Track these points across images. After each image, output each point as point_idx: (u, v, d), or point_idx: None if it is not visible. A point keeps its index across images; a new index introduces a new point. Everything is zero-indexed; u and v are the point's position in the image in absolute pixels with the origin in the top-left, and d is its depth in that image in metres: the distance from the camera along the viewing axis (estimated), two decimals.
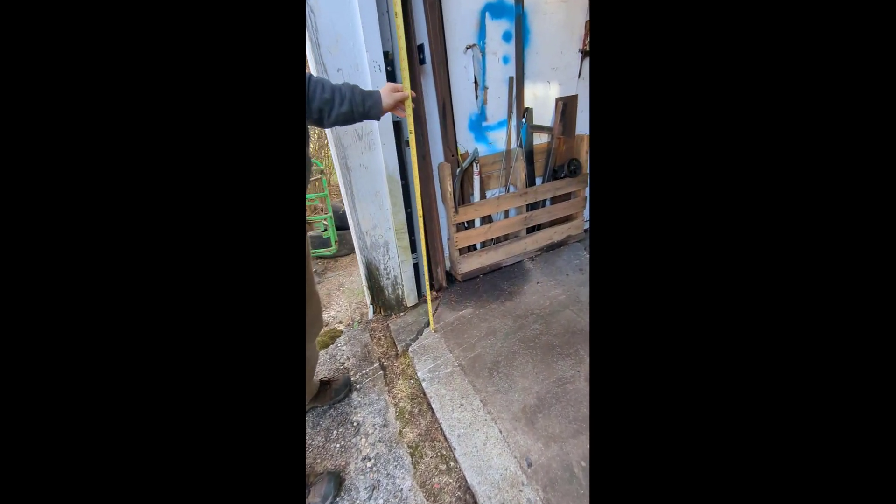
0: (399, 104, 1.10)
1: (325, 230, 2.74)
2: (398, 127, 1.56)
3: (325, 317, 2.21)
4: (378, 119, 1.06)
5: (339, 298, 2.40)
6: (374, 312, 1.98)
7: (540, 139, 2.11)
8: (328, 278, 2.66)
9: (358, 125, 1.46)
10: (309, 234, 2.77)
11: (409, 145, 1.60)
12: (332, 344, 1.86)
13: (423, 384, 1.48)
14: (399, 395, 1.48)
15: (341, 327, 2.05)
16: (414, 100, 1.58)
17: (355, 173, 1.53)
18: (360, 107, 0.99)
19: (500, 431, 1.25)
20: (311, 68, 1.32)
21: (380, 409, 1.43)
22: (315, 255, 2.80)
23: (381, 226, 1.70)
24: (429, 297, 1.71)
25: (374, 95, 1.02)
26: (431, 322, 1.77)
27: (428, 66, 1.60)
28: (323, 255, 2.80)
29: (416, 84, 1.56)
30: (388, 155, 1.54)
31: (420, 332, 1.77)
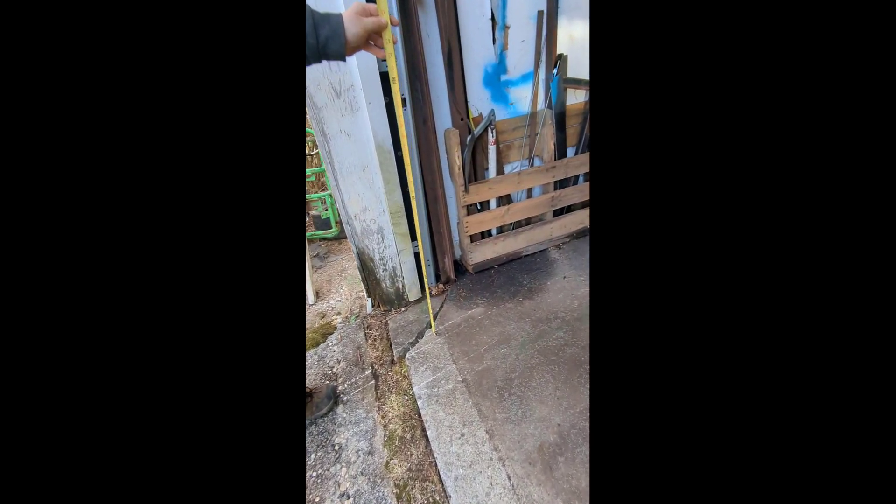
0: (374, 36, 0.76)
1: (326, 210, 2.49)
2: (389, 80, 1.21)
3: (323, 307, 2.01)
4: (342, 59, 0.73)
5: (341, 286, 2.19)
6: (372, 306, 1.74)
7: (575, 97, 1.68)
8: (330, 262, 2.45)
9: (333, 76, 1.13)
10: (308, 213, 2.53)
11: (405, 105, 1.25)
12: (324, 342, 1.64)
13: (419, 402, 1.23)
14: (390, 415, 1.24)
15: (338, 320, 1.83)
16: (409, 42, 1.21)
17: (336, 142, 1.22)
18: (310, 38, 0.66)
19: (509, 477, 0.98)
20: None
21: (366, 431, 1.20)
22: (317, 238, 2.58)
23: (372, 208, 1.40)
24: (428, 298, 1.43)
25: (331, 21, 0.68)
26: (433, 325, 1.50)
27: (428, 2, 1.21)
28: (325, 238, 2.57)
29: (410, 20, 1.19)
30: (376, 118, 1.21)
31: (421, 335, 1.50)
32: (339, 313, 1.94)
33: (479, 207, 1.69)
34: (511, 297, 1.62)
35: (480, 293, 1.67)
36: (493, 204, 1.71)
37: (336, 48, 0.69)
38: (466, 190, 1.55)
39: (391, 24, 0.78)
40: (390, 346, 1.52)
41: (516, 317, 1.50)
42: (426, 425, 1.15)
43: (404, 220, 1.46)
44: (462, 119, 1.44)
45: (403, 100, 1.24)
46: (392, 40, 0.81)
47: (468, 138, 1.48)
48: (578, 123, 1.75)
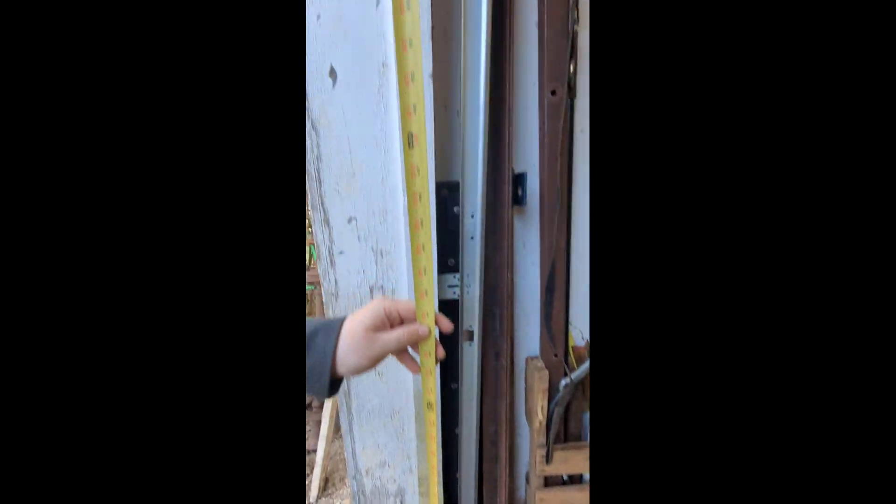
0: (404, 354, 0.42)
1: None
2: (452, 308, 0.84)
3: None
4: (326, 396, 0.37)
5: None
6: None
7: None
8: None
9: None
10: None
11: (470, 339, 0.85)
12: None
13: None
14: None
15: None
16: (492, 263, 0.83)
17: (357, 379, 0.85)
18: None
19: None
20: None
21: None
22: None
23: (395, 465, 0.92)
24: None
25: (316, 348, 0.35)
26: None
27: (531, 205, 0.89)
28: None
29: (500, 235, 0.85)
30: None
31: None
32: None
33: (566, 480, 1.05)
34: None
35: None
36: (586, 475, 1.05)
37: (317, 389, 0.35)
38: (549, 459, 0.97)
39: (439, 329, 0.41)
40: None
41: None
42: None
43: (439, 489, 0.92)
44: (556, 355, 0.96)
45: (469, 332, 0.85)
46: (436, 355, 0.42)
47: (562, 382, 0.96)
48: None
